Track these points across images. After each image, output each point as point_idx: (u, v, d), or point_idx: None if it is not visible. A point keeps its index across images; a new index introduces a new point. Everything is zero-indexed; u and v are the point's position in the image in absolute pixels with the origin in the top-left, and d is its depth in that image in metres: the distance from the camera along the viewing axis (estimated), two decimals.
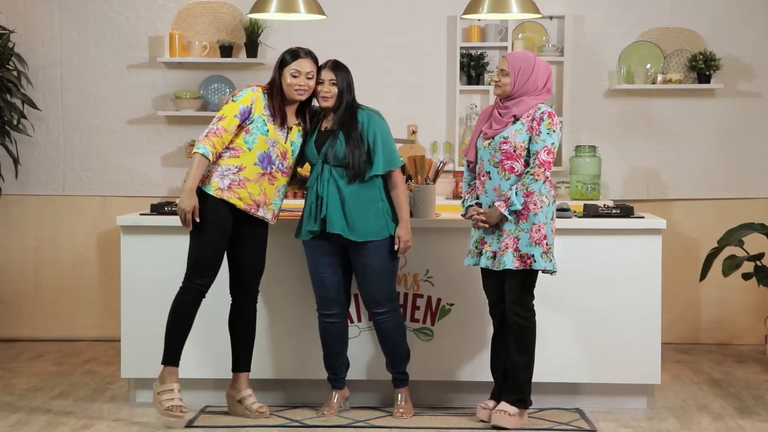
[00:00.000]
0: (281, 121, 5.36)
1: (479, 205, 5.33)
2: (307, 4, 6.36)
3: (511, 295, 5.28)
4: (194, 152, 5.25)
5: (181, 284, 5.36)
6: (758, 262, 6.73)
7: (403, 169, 5.54)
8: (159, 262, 5.69)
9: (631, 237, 5.70)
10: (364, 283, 5.43)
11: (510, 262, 5.19)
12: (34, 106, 7.51)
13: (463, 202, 5.43)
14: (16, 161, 7.46)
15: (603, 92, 7.61)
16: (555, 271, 5.26)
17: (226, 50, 7.55)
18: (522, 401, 5.32)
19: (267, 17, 6.75)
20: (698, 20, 7.56)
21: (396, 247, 5.38)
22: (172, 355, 5.37)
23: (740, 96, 7.56)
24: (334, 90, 5.38)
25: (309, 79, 5.36)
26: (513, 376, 5.32)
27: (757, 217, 7.09)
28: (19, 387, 6.22)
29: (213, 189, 5.29)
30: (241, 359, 5.51)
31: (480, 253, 5.34)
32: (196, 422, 5.42)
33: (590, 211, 5.83)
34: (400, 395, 5.56)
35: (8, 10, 7.57)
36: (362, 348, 5.71)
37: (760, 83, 7.56)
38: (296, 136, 5.43)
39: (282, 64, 5.37)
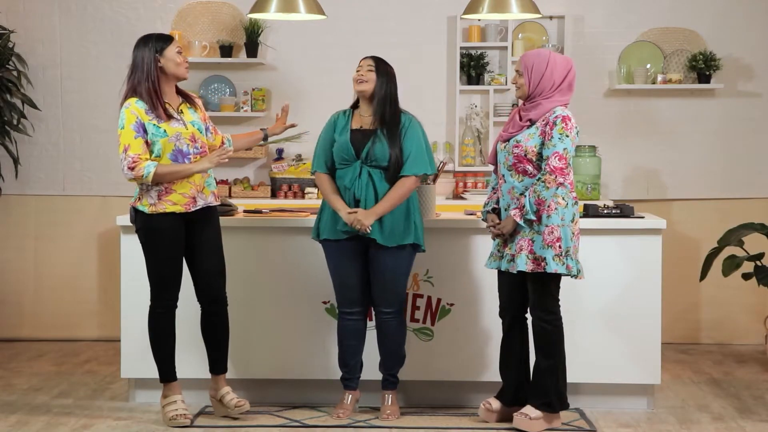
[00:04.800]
0: (164, 112, 5.22)
1: (496, 210, 5.32)
2: (307, 4, 6.36)
3: (532, 299, 5.25)
4: (146, 178, 5.13)
5: (149, 303, 5.35)
6: (758, 262, 6.73)
7: (435, 178, 5.69)
8: None
9: (631, 237, 5.70)
10: (381, 284, 5.38)
11: (523, 264, 5.14)
12: (34, 106, 7.50)
13: (483, 206, 5.43)
14: (16, 161, 7.46)
15: (603, 92, 7.61)
16: (576, 275, 5.15)
17: (226, 50, 7.55)
18: (548, 405, 5.26)
19: (267, 17, 6.74)
20: (698, 20, 7.55)
21: (351, 223, 5.25)
22: (166, 373, 5.41)
23: (740, 96, 7.55)
24: (372, 76, 5.35)
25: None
26: (537, 379, 5.28)
27: (757, 217, 7.09)
28: (19, 387, 6.22)
29: (147, 207, 5.24)
30: (217, 363, 5.49)
31: (502, 257, 5.29)
32: (195, 422, 5.42)
33: (590, 211, 5.82)
34: (388, 397, 5.53)
35: (8, 10, 7.57)
36: (365, 348, 5.66)
37: (760, 83, 7.56)
38: (190, 113, 5.33)
39: (159, 49, 5.21)
